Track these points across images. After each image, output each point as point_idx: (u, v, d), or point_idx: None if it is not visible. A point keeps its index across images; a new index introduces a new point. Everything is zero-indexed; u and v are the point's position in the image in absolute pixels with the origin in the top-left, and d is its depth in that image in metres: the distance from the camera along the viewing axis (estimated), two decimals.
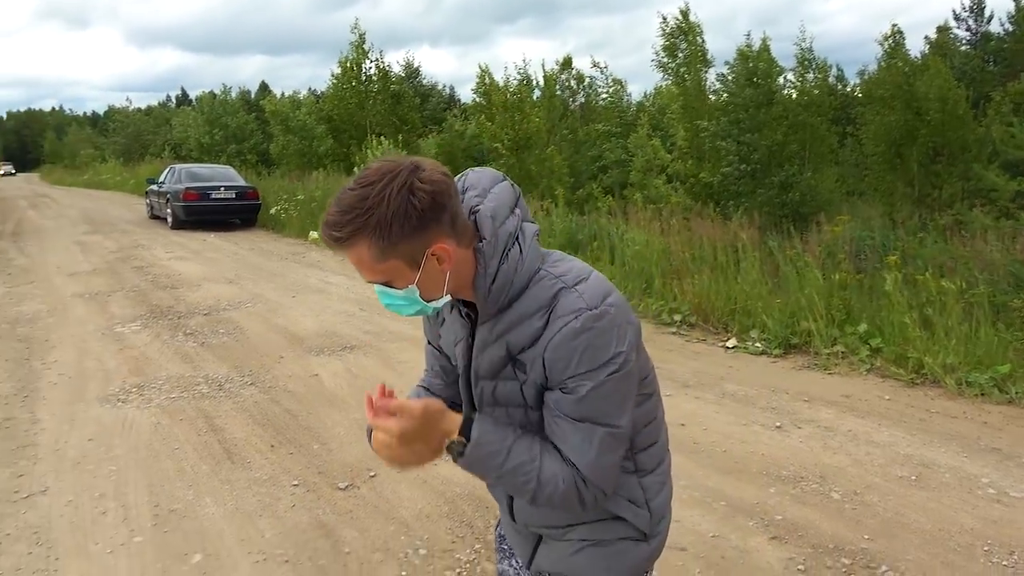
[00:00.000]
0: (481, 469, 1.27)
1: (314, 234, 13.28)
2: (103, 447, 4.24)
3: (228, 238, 14.03)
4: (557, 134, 23.05)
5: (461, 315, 1.38)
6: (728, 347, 6.01)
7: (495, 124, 15.69)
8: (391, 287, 1.24)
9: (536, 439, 1.29)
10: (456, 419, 1.25)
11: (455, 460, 1.25)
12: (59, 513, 3.50)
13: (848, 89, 32.05)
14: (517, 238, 1.28)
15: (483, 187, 1.32)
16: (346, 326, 6.88)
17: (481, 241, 1.25)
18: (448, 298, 1.29)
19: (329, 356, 5.93)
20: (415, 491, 3.61)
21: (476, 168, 1.40)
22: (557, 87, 27.24)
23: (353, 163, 15.04)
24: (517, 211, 1.33)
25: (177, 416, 4.69)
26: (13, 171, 67.32)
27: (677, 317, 6.74)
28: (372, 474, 3.81)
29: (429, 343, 1.55)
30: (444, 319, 1.45)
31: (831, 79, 26.23)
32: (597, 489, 1.28)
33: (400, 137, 16.79)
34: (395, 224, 1.16)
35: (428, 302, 1.27)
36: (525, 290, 1.28)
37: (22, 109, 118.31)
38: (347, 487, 3.67)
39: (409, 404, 1.21)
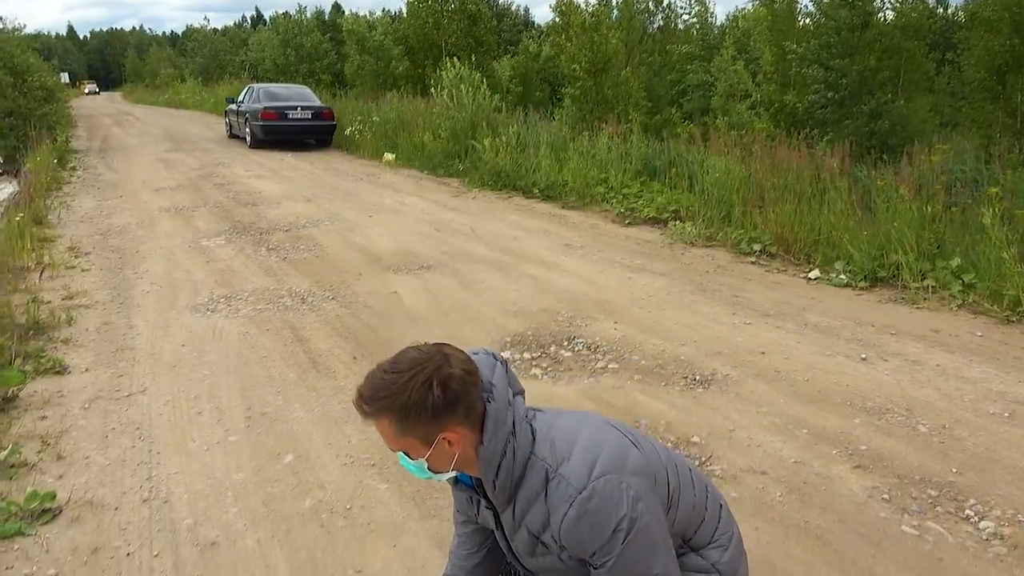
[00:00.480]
0: None
1: (389, 156, 13.35)
2: (196, 352, 4.44)
3: (304, 158, 14.23)
4: (636, 57, 22.31)
5: (486, 507, 1.57)
6: (810, 278, 5.84)
7: (573, 45, 15.22)
8: (407, 455, 1.45)
9: None
10: None
11: None
12: (158, 412, 3.70)
13: (949, 12, 29.91)
14: (513, 427, 1.44)
15: (486, 379, 1.46)
16: (422, 246, 6.95)
17: (482, 444, 1.42)
18: (454, 473, 1.50)
19: (407, 275, 6.02)
20: None
21: (473, 350, 1.53)
22: (635, 8, 26.23)
23: (428, 84, 14.89)
24: (511, 393, 1.50)
25: (264, 326, 4.87)
26: (97, 90, 69.39)
27: (757, 247, 6.57)
28: None
29: (458, 511, 1.84)
30: (478, 504, 1.63)
31: (931, 1, 24.50)
32: None
33: (475, 58, 16.52)
34: (413, 412, 1.36)
35: (436, 473, 1.49)
36: (523, 477, 1.43)
37: (104, 29, 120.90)
38: None
39: None
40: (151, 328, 4.88)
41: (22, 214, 7.39)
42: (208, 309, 5.24)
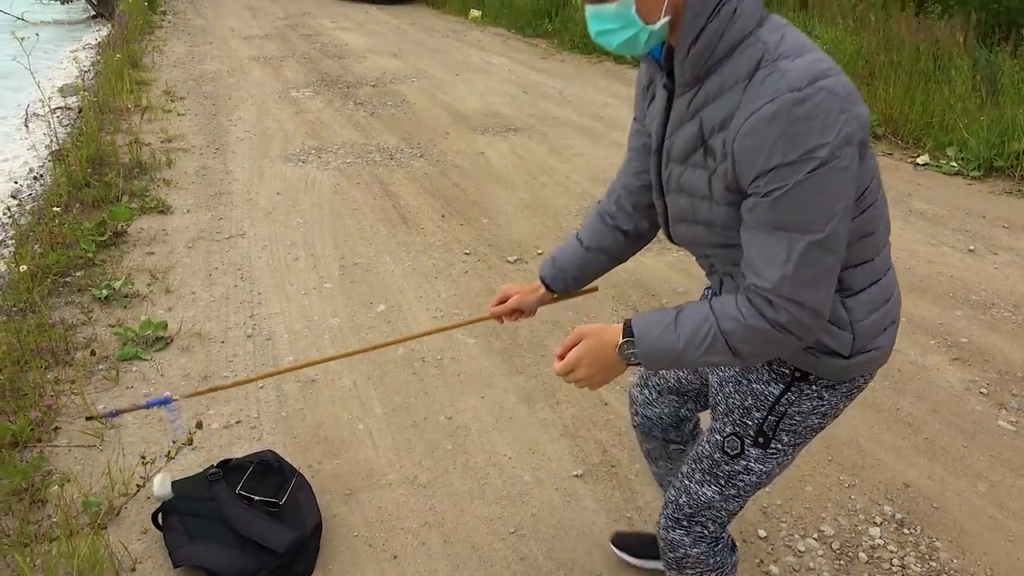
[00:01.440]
0: (664, 357, 1.18)
1: (475, 12, 12.87)
2: (290, 201, 4.54)
3: (389, 11, 13.86)
4: None
5: (663, 86, 1.25)
6: (918, 164, 5.50)
7: None
8: (605, 3, 1.11)
9: (704, 301, 1.21)
10: (616, 328, 1.22)
11: (634, 363, 1.21)
12: (257, 255, 3.84)
13: None
14: None
15: None
16: (510, 108, 6.80)
17: None
18: (666, 21, 1.11)
19: (494, 136, 5.93)
20: None
21: None
22: None
23: None
24: None
25: (354, 179, 4.92)
26: None
27: None
28: (539, 251, 3.90)
29: (635, 119, 1.44)
30: (655, 94, 1.31)
31: None
32: (795, 305, 1.08)
33: None
34: None
35: (645, 25, 1.11)
36: (728, 57, 1.10)
37: None
38: (515, 260, 3.79)
39: (570, 341, 1.26)
40: (246, 174, 4.99)
41: (119, 55, 7.49)
42: (300, 160, 5.30)
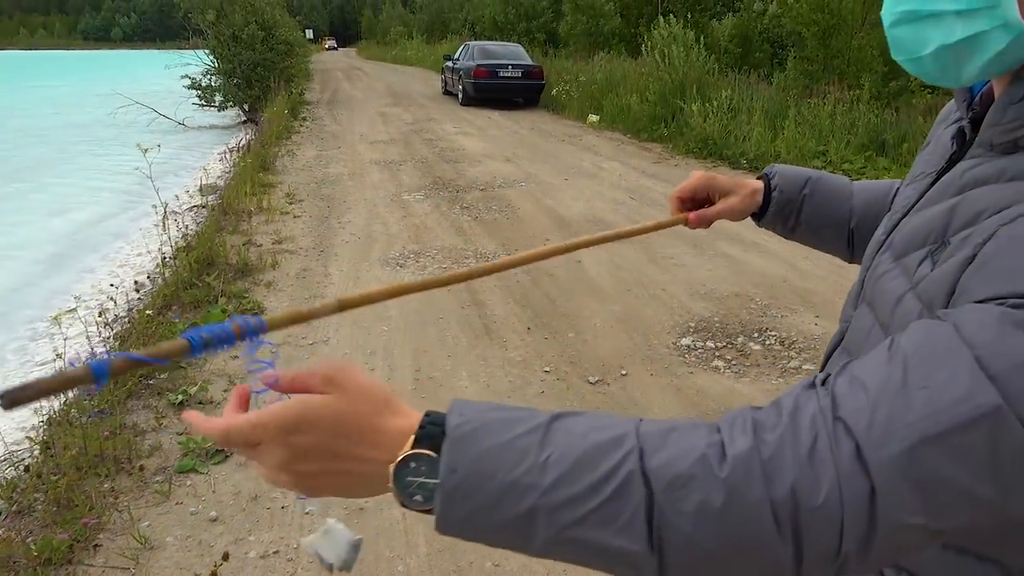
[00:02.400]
0: (500, 503, 0.55)
1: (593, 117, 13.08)
2: (379, 306, 4.53)
3: (510, 116, 14.34)
4: (874, 14, 20.13)
5: (953, 139, 0.80)
6: None
7: (801, 2, 13.87)
8: None
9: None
10: (404, 417, 0.60)
11: (421, 508, 0.57)
12: None
13: None
14: None
15: None
16: (614, 214, 6.67)
17: None
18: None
19: None
20: (668, 398, 3.39)
21: None
22: None
23: (640, 43, 14.36)
24: None
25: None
26: (336, 46, 75.04)
27: None
28: (624, 372, 3.65)
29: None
30: (933, 148, 0.87)
31: None
32: (863, 480, 0.52)
33: (691, 16, 15.66)
34: None
35: (1012, 22, 0.62)
36: None
37: None
38: (597, 382, 3.55)
39: (288, 382, 0.61)
40: (344, 278, 5.06)
41: (249, 159, 8.02)
42: (397, 264, 5.35)
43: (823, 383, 0.58)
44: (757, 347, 3.91)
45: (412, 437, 0.57)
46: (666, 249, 5.60)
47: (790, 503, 0.52)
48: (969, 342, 0.53)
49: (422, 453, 0.57)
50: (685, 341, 3.98)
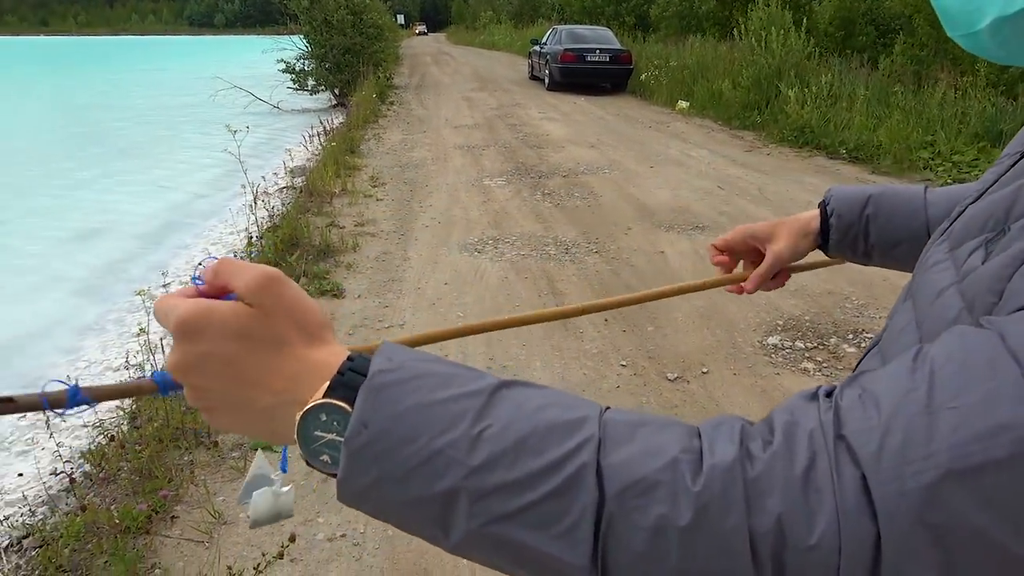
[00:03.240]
0: (401, 463, 0.44)
1: (683, 103, 12.74)
2: (455, 291, 4.51)
3: (596, 102, 14.13)
4: None
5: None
6: None
7: None
8: None
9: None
10: (327, 352, 0.49)
11: (323, 466, 0.47)
12: None
13: None
14: None
15: None
16: (701, 204, 6.46)
17: None
18: None
19: (678, 234, 5.61)
20: (751, 400, 3.23)
21: None
22: None
23: (733, 27, 13.88)
24: None
25: (523, 273, 4.82)
26: (426, 31, 75.85)
27: None
28: (705, 370, 3.51)
29: None
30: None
31: None
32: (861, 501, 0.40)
33: None
34: None
35: None
36: None
37: None
38: (676, 379, 3.42)
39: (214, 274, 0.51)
40: (422, 262, 5.07)
41: (335, 143, 8.15)
42: (476, 249, 5.32)
43: (828, 395, 0.46)
44: (852, 349, 3.69)
45: (326, 384, 0.46)
46: None
47: (774, 537, 0.40)
48: (1016, 355, 0.41)
49: (335, 404, 0.46)
50: (772, 340, 3.80)
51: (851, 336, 3.83)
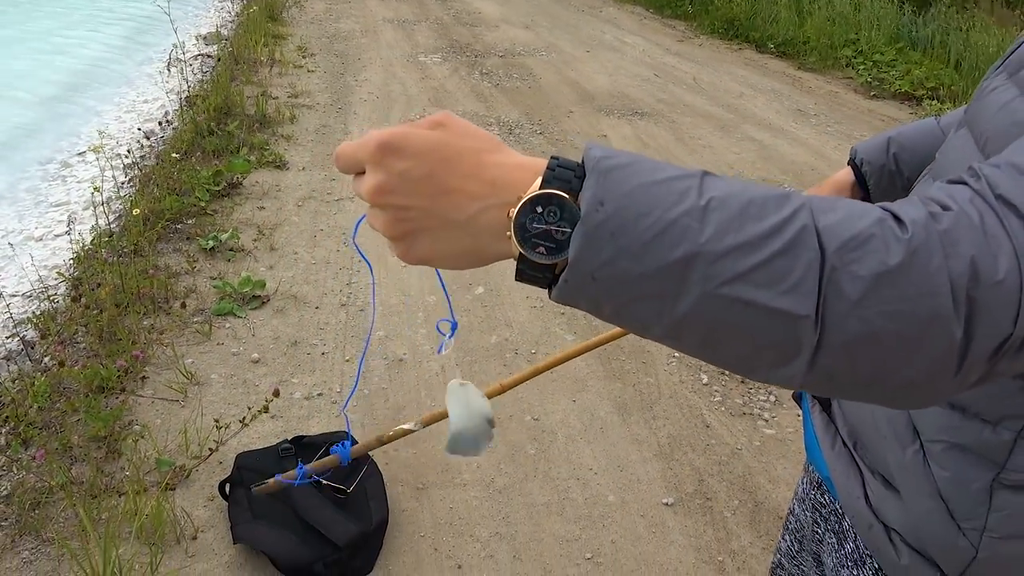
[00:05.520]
0: (640, 234, 0.46)
1: None
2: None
3: None
4: None
5: None
6: None
7: None
8: None
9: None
10: (527, 161, 0.53)
11: (540, 265, 0.50)
12: (362, 230, 3.76)
13: None
14: None
15: None
16: (638, 90, 6.49)
17: None
18: None
19: (619, 119, 5.66)
20: None
21: None
22: None
23: None
24: None
25: None
26: None
27: None
28: None
29: None
30: None
31: None
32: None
33: None
34: None
35: None
36: None
37: None
38: None
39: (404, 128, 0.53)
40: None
41: (255, 7, 7.65)
42: None
43: (972, 175, 0.52)
44: None
45: (539, 178, 0.49)
46: (694, 130, 5.49)
47: (968, 276, 0.46)
48: None
49: (553, 194, 0.48)
50: None
51: None
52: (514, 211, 0.49)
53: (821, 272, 0.46)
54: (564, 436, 2.39)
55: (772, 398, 2.63)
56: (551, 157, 0.51)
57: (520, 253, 0.49)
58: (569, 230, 0.48)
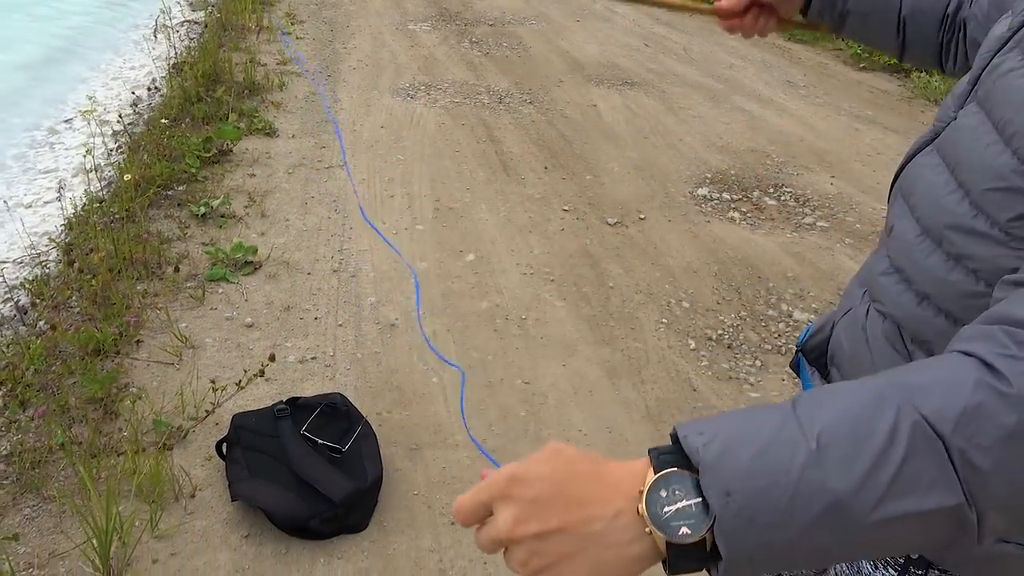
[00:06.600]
0: (777, 522, 0.48)
1: None
2: (393, 136, 4.46)
3: None
4: None
5: None
6: None
7: None
8: None
9: (821, 388, 0.60)
10: (630, 465, 0.54)
11: (685, 565, 0.51)
12: (354, 188, 3.78)
13: None
14: None
15: None
16: (628, 60, 6.47)
17: None
18: None
19: (608, 88, 5.65)
20: (685, 244, 3.45)
21: None
22: None
23: None
24: None
25: (459, 120, 4.79)
26: None
27: None
28: (642, 216, 3.69)
29: None
30: None
31: None
32: None
33: None
34: None
35: None
36: None
37: None
38: (616, 223, 3.59)
39: (505, 479, 0.55)
40: (354, 104, 4.94)
41: None
42: (408, 95, 5.21)
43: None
44: (772, 202, 3.95)
45: (650, 468, 0.51)
46: (684, 100, 5.50)
47: None
48: None
49: (670, 472, 0.50)
50: (702, 191, 4.01)
51: (772, 190, 4.08)
52: (642, 505, 0.50)
53: (951, 458, 0.47)
54: (554, 399, 2.44)
55: (758, 363, 2.69)
56: (648, 450, 0.54)
57: (667, 543, 0.49)
58: (699, 499, 0.49)
